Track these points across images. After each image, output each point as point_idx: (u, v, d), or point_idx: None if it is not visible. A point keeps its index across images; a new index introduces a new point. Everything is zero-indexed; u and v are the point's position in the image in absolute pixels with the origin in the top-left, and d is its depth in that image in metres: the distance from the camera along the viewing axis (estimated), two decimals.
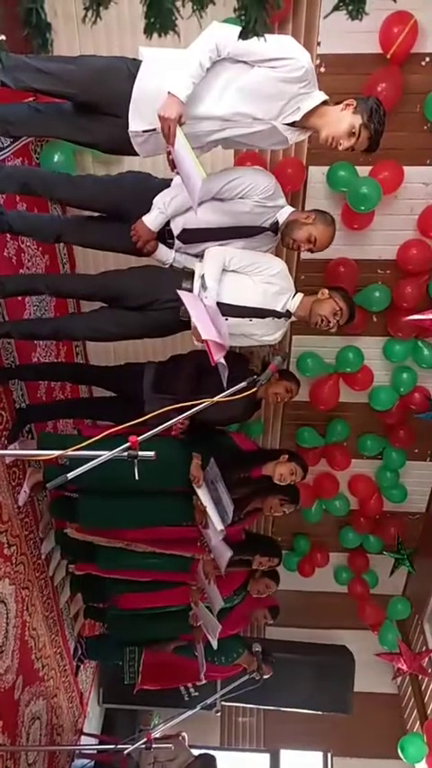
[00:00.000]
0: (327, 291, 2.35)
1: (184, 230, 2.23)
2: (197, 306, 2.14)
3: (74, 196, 2.31)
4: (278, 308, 2.33)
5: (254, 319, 2.31)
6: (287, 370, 2.79)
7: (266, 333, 2.38)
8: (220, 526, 2.48)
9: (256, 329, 2.35)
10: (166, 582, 3.16)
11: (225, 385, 2.15)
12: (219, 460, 2.54)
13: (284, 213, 2.27)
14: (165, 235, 2.24)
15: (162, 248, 2.26)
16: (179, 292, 2.19)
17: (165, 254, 2.28)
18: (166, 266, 2.33)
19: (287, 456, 2.79)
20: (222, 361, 2.12)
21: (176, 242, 2.26)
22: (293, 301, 2.35)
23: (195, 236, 2.24)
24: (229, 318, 2.24)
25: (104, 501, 2.78)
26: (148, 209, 2.17)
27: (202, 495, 2.55)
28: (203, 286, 2.19)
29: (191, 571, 3.01)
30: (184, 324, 2.27)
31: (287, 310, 2.35)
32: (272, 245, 2.39)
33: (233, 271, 2.26)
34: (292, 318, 2.40)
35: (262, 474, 2.81)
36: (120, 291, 2.32)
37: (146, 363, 2.68)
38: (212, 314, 2.13)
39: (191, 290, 2.23)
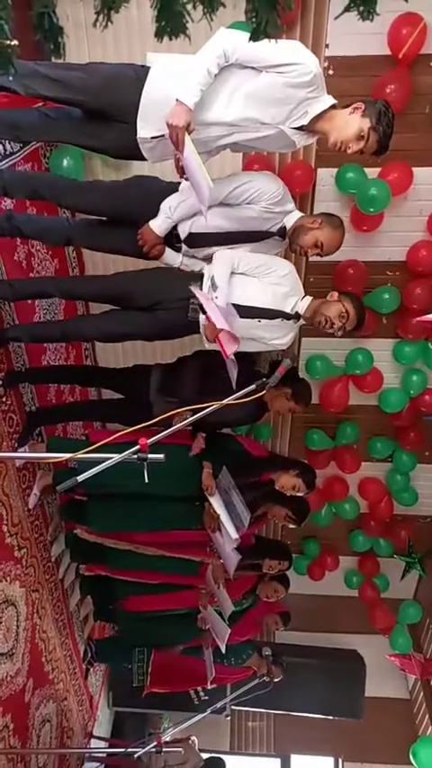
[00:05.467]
0: (336, 294, 2.31)
1: (191, 234, 2.23)
2: (208, 303, 2.14)
3: (81, 203, 2.32)
4: (287, 310, 2.30)
5: (263, 320, 2.28)
6: (300, 388, 2.63)
7: (276, 336, 2.35)
8: (234, 535, 2.48)
9: (265, 332, 2.32)
10: (174, 585, 3.15)
11: (234, 383, 2.15)
12: (229, 467, 2.52)
13: (292, 218, 2.26)
14: (172, 239, 2.25)
15: (169, 252, 2.27)
16: (191, 288, 2.18)
17: (172, 258, 2.28)
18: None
19: (297, 471, 2.76)
20: (233, 357, 2.11)
21: (183, 245, 2.27)
22: (302, 303, 2.32)
23: (202, 240, 2.24)
24: (239, 320, 2.22)
25: (114, 505, 2.79)
26: (155, 214, 2.18)
27: (216, 503, 2.54)
28: (213, 286, 2.17)
29: (200, 574, 3.01)
30: (193, 325, 2.27)
31: (296, 312, 2.32)
32: (279, 249, 2.39)
33: (242, 273, 2.25)
34: (301, 321, 2.37)
35: (271, 477, 2.80)
36: (128, 291, 2.32)
37: (153, 365, 2.68)
38: (225, 312, 2.12)
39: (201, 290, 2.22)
